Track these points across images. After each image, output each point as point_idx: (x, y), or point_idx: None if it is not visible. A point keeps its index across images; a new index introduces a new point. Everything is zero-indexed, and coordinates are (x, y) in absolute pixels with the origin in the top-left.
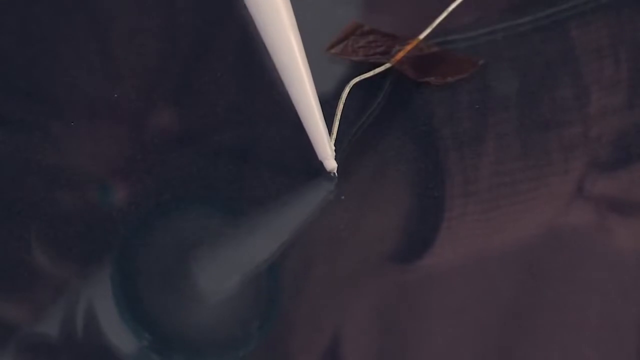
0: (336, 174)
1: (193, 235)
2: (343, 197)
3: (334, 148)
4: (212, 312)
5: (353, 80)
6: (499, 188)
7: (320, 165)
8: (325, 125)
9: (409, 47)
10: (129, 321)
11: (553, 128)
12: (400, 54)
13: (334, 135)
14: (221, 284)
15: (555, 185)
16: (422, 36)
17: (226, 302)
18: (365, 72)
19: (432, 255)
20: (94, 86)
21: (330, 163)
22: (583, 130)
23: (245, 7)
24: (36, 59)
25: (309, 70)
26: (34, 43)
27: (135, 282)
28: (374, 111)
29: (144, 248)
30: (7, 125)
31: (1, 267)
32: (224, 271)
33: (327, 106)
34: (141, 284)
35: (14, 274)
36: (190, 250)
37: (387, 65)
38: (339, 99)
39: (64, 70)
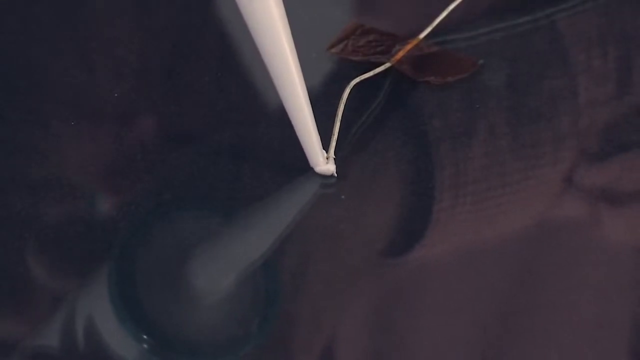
0: (335, 174)
1: (193, 235)
2: (343, 197)
3: (333, 149)
4: (212, 313)
5: (354, 81)
6: (490, 179)
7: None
8: (318, 134)
9: (409, 47)
10: (127, 323)
11: (543, 119)
12: (400, 54)
13: (335, 136)
14: (220, 283)
15: (546, 176)
16: (422, 36)
17: (226, 301)
18: (365, 72)
19: (424, 247)
20: (94, 86)
21: (321, 170)
22: (573, 121)
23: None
24: (36, 59)
25: (302, 80)
26: (34, 43)
27: (135, 283)
28: (374, 111)
29: (144, 248)
30: (7, 125)
31: (1, 270)
32: (223, 270)
33: (328, 106)
34: (140, 284)
35: (13, 274)
36: (190, 250)
37: (387, 64)
38: (340, 99)
39: (64, 70)
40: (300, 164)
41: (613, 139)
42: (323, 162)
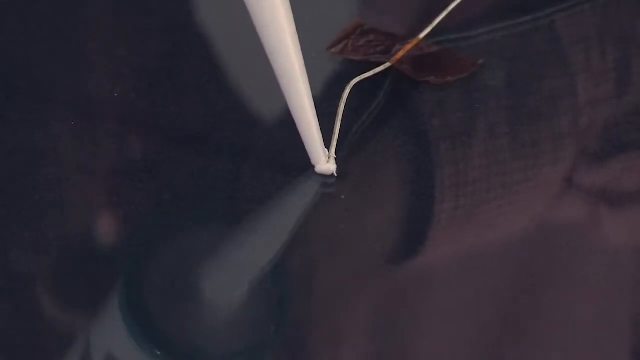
0: (335, 174)
1: (193, 235)
2: (343, 197)
3: (334, 149)
4: (227, 323)
5: (354, 80)
6: (490, 179)
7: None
8: (320, 133)
9: (409, 47)
10: (138, 336)
11: (543, 119)
12: (400, 54)
13: (336, 136)
14: (231, 293)
15: (546, 176)
16: (422, 35)
17: (240, 311)
18: (365, 72)
19: (425, 248)
20: (94, 86)
21: (322, 170)
22: (573, 120)
23: (246, 10)
24: (36, 59)
25: (306, 79)
26: (34, 43)
27: (139, 288)
28: (374, 111)
29: (144, 248)
30: (7, 125)
31: (3, 270)
32: (233, 279)
33: (328, 106)
34: (145, 289)
35: (11, 271)
36: (191, 250)
37: (387, 64)
38: (340, 99)
39: (64, 70)
40: (301, 163)
41: (613, 138)
42: (325, 161)
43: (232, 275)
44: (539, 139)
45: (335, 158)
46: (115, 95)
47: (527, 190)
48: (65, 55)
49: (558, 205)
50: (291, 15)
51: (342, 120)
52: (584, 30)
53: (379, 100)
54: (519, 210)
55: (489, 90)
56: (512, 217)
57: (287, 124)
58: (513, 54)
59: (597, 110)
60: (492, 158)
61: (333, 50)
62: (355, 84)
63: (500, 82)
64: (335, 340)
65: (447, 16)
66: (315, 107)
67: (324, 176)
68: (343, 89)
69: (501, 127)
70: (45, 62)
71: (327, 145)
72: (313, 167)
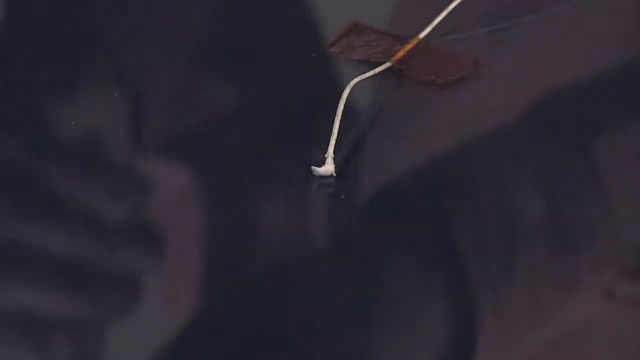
0: (334, 174)
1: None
2: (343, 197)
3: (333, 149)
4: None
5: (354, 80)
6: (529, 312)
7: (319, 164)
8: None
9: (409, 47)
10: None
11: (581, 244)
12: (401, 53)
13: (335, 136)
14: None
15: (585, 300)
16: (422, 35)
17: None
18: (366, 72)
19: None
20: (94, 86)
21: (321, 171)
22: (611, 243)
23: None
24: (37, 59)
25: None
26: (34, 43)
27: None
28: (374, 111)
29: (144, 248)
30: (7, 125)
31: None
32: (233, 281)
33: (328, 106)
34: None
35: (12, 273)
36: (191, 250)
37: (387, 64)
38: (340, 99)
39: (65, 70)
40: (300, 163)
41: None
42: (330, 161)
43: (233, 277)
44: (577, 265)
45: (333, 158)
46: (115, 95)
47: (566, 316)
48: (65, 55)
49: (597, 314)
50: None
51: (342, 121)
52: (620, 152)
53: (379, 100)
54: (552, 329)
55: (526, 218)
56: (548, 328)
57: (287, 124)
58: (550, 184)
59: (635, 224)
60: (522, 282)
61: (333, 49)
62: (355, 85)
63: (527, 206)
64: (330, 340)
65: (447, 16)
66: (315, 107)
67: (323, 176)
68: (343, 89)
69: (539, 255)
70: (46, 62)
71: (327, 145)
72: (312, 167)
